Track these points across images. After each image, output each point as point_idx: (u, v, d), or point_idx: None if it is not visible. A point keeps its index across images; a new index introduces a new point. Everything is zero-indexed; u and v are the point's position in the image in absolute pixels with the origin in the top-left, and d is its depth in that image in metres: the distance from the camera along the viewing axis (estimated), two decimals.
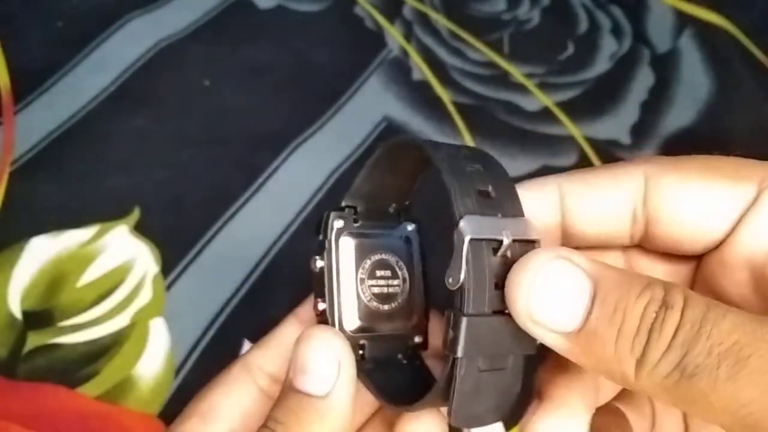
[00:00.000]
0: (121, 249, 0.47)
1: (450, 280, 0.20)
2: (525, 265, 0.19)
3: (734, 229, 0.21)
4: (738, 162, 0.21)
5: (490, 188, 0.21)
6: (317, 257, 0.24)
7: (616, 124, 0.59)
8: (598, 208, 0.22)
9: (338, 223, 0.25)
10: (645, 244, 0.22)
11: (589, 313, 0.18)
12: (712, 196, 0.20)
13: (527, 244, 0.20)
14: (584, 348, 0.18)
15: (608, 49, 0.65)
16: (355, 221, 0.25)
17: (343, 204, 0.26)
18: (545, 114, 0.60)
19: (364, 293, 0.25)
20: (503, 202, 0.21)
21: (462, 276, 0.19)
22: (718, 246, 0.21)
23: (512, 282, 0.19)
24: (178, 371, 0.43)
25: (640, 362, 0.17)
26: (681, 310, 0.17)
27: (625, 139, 0.58)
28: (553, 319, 0.18)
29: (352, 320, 0.24)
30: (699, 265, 0.22)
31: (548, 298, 0.18)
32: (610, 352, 0.17)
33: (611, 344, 0.17)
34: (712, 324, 0.17)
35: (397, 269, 0.26)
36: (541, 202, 0.23)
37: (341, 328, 0.24)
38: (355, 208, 0.25)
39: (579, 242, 0.23)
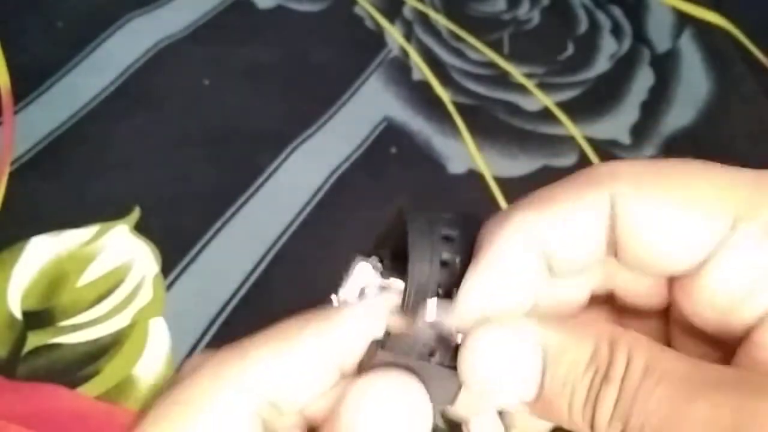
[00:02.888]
0: (121, 249, 0.47)
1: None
2: (475, 341, 0.19)
3: (701, 267, 0.20)
4: (720, 180, 0.20)
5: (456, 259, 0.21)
6: (335, 295, 0.23)
7: (616, 124, 0.59)
8: (569, 241, 0.21)
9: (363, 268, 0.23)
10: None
11: (541, 385, 0.19)
12: (682, 230, 0.20)
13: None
14: (543, 412, 0.19)
15: (608, 49, 0.65)
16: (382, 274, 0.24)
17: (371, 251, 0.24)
18: (545, 114, 0.60)
19: None
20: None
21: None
22: (687, 276, 0.21)
23: (464, 359, 0.19)
24: (178, 371, 0.43)
25: (593, 428, 0.18)
26: (620, 382, 0.18)
27: (625, 139, 0.58)
28: (509, 392, 0.19)
29: None
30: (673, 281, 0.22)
31: (501, 373, 0.19)
32: (566, 418, 0.19)
33: (566, 412, 0.18)
34: (643, 398, 0.17)
35: None
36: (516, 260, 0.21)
37: None
38: (381, 259, 0.24)
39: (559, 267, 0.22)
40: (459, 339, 0.20)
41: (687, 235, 0.20)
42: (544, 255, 0.21)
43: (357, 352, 0.20)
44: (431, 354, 0.20)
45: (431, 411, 0.19)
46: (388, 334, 0.21)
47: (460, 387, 0.20)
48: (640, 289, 0.23)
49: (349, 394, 0.19)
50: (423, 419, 0.19)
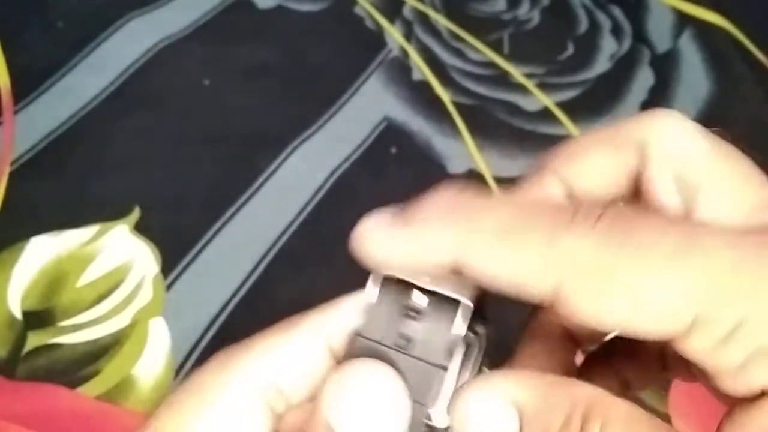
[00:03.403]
0: (121, 249, 0.47)
1: None
2: (459, 399, 0.20)
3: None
4: (681, 278, 0.18)
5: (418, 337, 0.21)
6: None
7: None
8: (499, 283, 0.19)
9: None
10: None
11: None
12: (634, 325, 0.18)
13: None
14: None
15: (608, 49, 0.65)
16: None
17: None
18: (545, 114, 0.60)
19: None
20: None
21: None
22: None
23: (452, 416, 0.20)
24: (178, 371, 0.43)
25: None
26: None
27: None
28: None
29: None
30: None
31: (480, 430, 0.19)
32: None
33: None
34: None
35: None
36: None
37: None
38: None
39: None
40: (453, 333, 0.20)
41: (645, 331, 0.18)
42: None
43: (343, 329, 0.21)
44: (408, 341, 0.21)
45: (409, 402, 0.20)
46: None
47: (440, 385, 0.20)
48: None
49: (326, 384, 0.19)
50: (399, 410, 0.19)
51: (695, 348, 0.18)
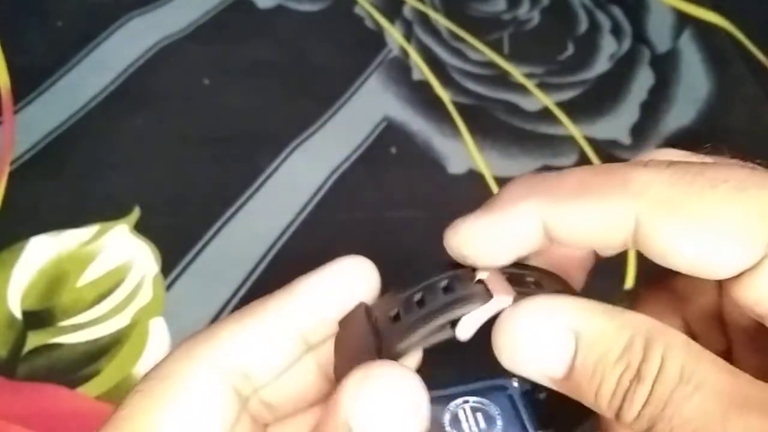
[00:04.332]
0: (121, 249, 0.47)
1: None
2: (508, 318, 0.19)
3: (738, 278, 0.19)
4: (756, 206, 0.18)
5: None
6: None
7: (616, 124, 0.59)
8: (576, 239, 0.20)
9: None
10: None
11: (572, 367, 0.19)
12: (714, 257, 0.19)
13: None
14: (570, 391, 0.19)
15: (608, 49, 0.65)
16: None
17: None
18: (545, 114, 0.60)
19: None
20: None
21: None
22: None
23: (496, 336, 0.19)
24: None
25: (617, 417, 0.18)
26: (652, 383, 0.17)
27: (625, 139, 0.58)
28: (538, 369, 0.19)
29: None
30: None
31: (531, 348, 0.19)
32: (593, 402, 0.19)
33: (592, 398, 0.18)
34: (675, 407, 0.17)
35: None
36: (522, 232, 0.21)
37: None
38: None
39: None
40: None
41: (720, 261, 0.19)
42: (546, 235, 0.20)
43: (318, 320, 0.21)
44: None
45: (429, 406, 0.19)
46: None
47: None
48: None
49: (346, 384, 0.19)
50: (421, 415, 0.19)
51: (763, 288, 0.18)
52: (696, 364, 0.17)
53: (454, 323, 0.20)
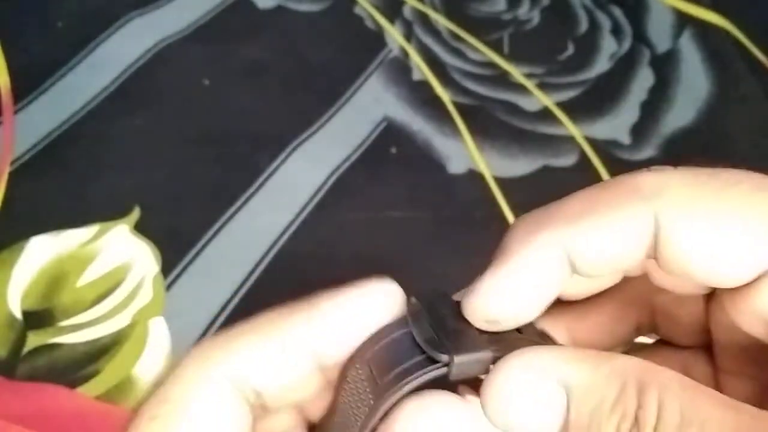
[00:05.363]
0: (121, 249, 0.47)
1: None
2: (494, 378, 0.19)
3: (750, 285, 0.19)
4: None
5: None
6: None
7: (616, 124, 0.59)
8: (603, 258, 0.20)
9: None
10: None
11: (567, 421, 0.18)
12: (734, 258, 0.18)
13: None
14: None
15: (608, 49, 0.65)
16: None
17: None
18: (545, 114, 0.60)
19: None
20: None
21: None
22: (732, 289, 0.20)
23: (485, 393, 0.19)
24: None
25: None
26: (653, 430, 0.17)
27: (625, 139, 0.58)
28: (533, 429, 0.18)
29: None
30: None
31: (524, 412, 0.18)
32: None
33: None
34: None
35: None
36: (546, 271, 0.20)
37: None
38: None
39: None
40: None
41: (739, 262, 0.18)
42: (571, 268, 0.20)
43: (337, 347, 0.21)
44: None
45: None
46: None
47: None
48: (679, 284, 0.21)
49: (399, 415, 0.18)
50: None
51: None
52: (695, 404, 0.17)
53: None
